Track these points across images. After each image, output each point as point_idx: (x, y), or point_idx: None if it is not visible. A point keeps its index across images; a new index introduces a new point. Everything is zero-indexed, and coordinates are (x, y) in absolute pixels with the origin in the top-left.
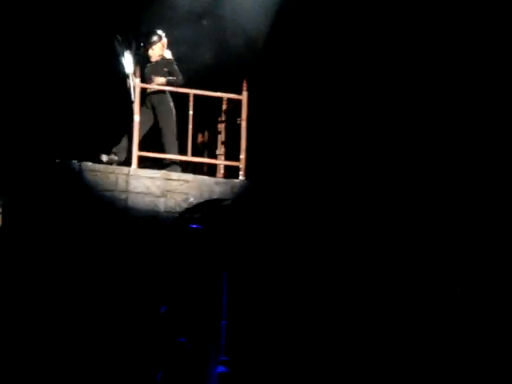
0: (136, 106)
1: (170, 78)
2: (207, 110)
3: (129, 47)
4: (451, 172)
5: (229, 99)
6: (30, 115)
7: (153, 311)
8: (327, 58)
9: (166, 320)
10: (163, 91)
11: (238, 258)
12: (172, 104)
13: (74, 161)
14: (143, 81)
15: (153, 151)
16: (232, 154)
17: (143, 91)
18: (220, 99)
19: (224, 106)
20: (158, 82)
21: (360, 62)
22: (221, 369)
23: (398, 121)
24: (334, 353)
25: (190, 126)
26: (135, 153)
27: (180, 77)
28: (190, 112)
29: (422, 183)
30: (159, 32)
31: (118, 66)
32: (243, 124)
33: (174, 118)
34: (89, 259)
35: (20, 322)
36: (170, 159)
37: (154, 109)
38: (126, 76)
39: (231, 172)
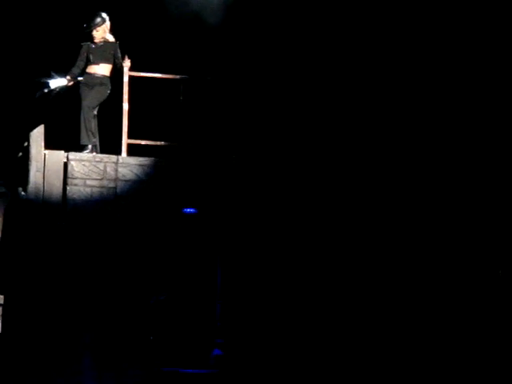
0: (125, 94)
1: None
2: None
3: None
4: (447, 170)
5: None
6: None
7: (148, 297)
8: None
9: (162, 305)
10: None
11: (232, 242)
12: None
13: (61, 151)
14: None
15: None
16: None
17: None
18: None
19: None
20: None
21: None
22: (216, 351)
23: (393, 114)
24: (327, 334)
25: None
26: (124, 141)
27: (120, 61)
28: (180, 98)
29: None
30: (103, 14)
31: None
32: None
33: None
34: (80, 250)
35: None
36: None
37: (92, 87)
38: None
39: None
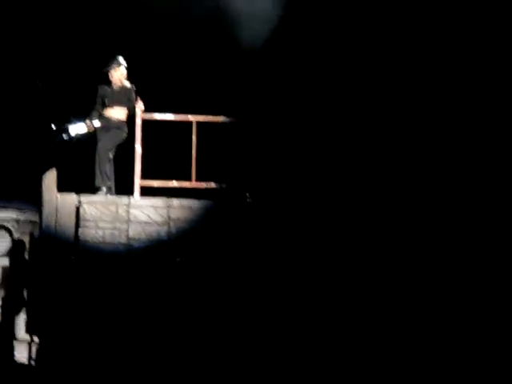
0: (138, 136)
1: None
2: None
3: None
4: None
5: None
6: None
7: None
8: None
9: None
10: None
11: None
12: (125, 132)
13: (73, 194)
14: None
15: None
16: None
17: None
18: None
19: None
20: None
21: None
22: None
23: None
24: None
25: (194, 153)
26: (137, 182)
27: (135, 105)
28: (193, 138)
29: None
30: (120, 58)
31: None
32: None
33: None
34: (94, 291)
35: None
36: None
37: (108, 130)
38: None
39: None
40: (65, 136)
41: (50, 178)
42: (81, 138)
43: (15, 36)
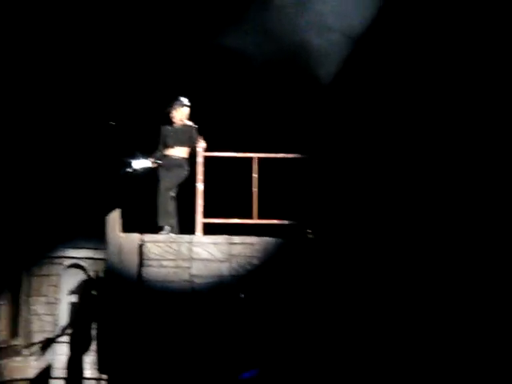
0: (199, 175)
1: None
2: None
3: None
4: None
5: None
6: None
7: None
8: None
9: None
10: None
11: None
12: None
13: (136, 233)
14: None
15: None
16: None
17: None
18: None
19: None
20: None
21: None
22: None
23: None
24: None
25: (255, 189)
26: (199, 220)
27: (196, 144)
28: (254, 175)
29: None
30: (182, 99)
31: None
32: (309, 183)
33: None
34: (160, 329)
35: None
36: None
37: (170, 169)
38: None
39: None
40: (129, 169)
41: (114, 218)
42: (143, 175)
43: (88, 77)
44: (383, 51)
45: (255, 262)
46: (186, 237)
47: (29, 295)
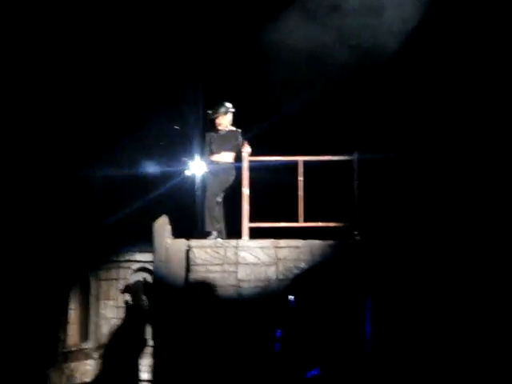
0: (245, 179)
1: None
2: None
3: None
4: None
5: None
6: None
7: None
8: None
9: None
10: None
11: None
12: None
13: (182, 239)
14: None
15: None
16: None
17: None
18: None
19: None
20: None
21: None
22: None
23: None
24: None
25: (301, 193)
26: (246, 224)
27: (241, 149)
28: (300, 178)
29: None
30: (227, 104)
31: None
32: (355, 184)
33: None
34: (205, 333)
35: None
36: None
37: (216, 175)
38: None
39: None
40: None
41: (161, 225)
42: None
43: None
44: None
45: (302, 264)
46: (233, 241)
47: (98, 299)
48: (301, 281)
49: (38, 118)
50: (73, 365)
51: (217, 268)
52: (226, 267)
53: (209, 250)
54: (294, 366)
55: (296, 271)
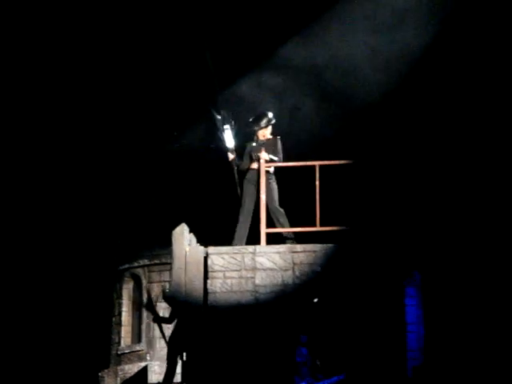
0: (262, 185)
1: (275, 157)
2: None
3: (228, 121)
4: None
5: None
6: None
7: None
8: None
9: None
10: (269, 170)
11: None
12: (275, 182)
13: (201, 246)
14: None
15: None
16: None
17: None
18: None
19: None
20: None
21: None
22: None
23: None
24: None
25: (317, 197)
26: (263, 230)
27: (281, 155)
28: (317, 183)
29: None
30: (270, 115)
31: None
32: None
33: (276, 193)
34: (224, 339)
35: None
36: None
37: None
38: (228, 150)
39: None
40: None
41: (179, 232)
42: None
43: None
44: None
45: (318, 269)
46: (250, 247)
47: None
48: (317, 285)
49: None
50: (126, 367)
51: (234, 274)
52: (244, 273)
53: (226, 257)
54: (319, 370)
55: (312, 276)
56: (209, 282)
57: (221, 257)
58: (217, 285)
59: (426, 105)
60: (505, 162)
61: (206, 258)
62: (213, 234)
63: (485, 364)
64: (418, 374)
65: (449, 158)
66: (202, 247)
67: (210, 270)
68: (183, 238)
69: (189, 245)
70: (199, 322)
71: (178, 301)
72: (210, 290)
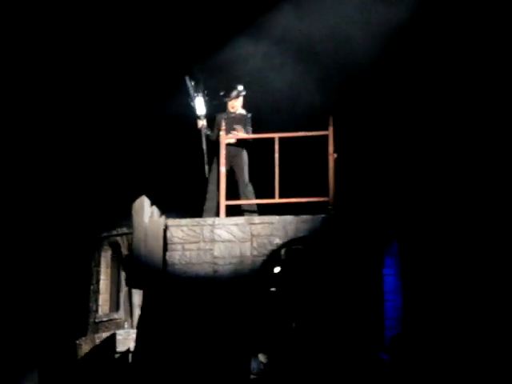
0: (222, 158)
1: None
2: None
3: (200, 89)
4: None
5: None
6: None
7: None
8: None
9: None
10: (241, 144)
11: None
12: (247, 156)
13: (160, 218)
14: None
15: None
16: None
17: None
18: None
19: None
20: (240, 135)
21: None
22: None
23: None
24: None
25: (277, 169)
26: (222, 202)
27: (250, 131)
28: (276, 155)
29: None
30: (240, 88)
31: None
32: (330, 159)
33: (247, 168)
34: (182, 311)
35: None
36: (249, 206)
37: (230, 159)
38: (198, 117)
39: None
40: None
41: (140, 204)
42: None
43: None
44: None
45: (276, 240)
46: (209, 219)
47: None
48: (274, 257)
49: None
50: (104, 335)
51: (193, 246)
52: (202, 245)
53: (185, 229)
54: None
55: (270, 247)
56: (168, 254)
57: (180, 229)
58: (176, 257)
59: (407, 75)
60: (483, 131)
61: (165, 231)
62: (186, 203)
63: (461, 333)
64: (395, 344)
65: (428, 127)
66: (162, 219)
67: (169, 242)
68: (143, 211)
69: (150, 217)
70: (157, 293)
71: (138, 272)
72: (168, 262)
